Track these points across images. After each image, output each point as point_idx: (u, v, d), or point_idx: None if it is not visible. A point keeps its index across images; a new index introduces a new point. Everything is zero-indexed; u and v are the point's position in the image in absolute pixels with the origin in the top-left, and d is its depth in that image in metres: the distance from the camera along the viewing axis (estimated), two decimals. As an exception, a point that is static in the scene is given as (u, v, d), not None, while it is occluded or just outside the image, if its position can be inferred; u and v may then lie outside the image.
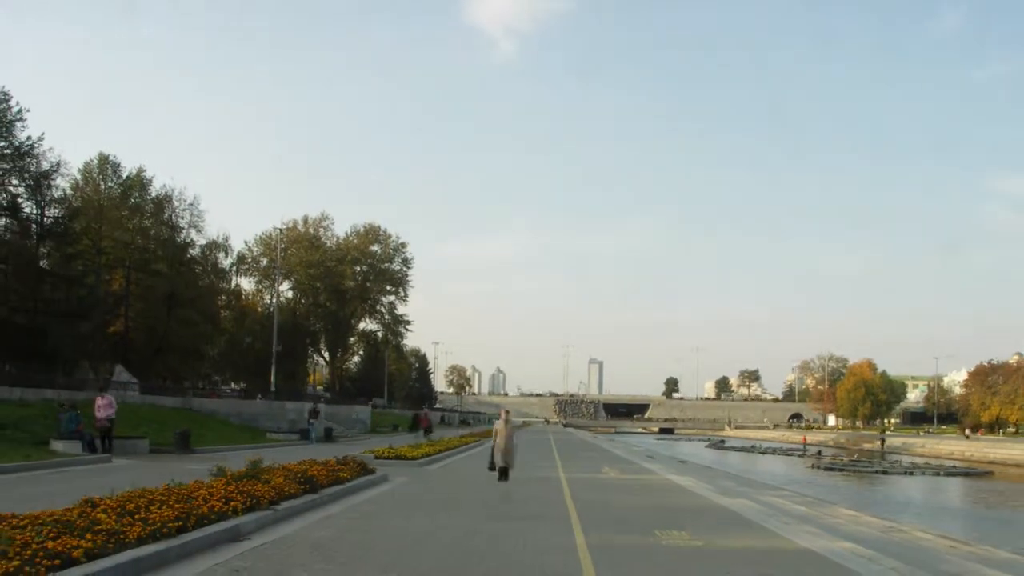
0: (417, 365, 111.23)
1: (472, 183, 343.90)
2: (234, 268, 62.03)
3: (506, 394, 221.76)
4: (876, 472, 47.54)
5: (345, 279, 71.63)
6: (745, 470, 42.47)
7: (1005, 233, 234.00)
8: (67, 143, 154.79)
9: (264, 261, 66.38)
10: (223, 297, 59.25)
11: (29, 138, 38.28)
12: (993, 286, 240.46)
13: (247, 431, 32.05)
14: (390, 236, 76.21)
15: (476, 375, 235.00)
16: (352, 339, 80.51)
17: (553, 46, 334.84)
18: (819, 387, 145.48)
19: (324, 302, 68.65)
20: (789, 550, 8.63)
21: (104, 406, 19.71)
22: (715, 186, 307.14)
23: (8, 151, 37.90)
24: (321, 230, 72.84)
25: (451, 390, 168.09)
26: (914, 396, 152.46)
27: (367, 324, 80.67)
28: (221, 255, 57.45)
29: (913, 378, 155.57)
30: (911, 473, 47.21)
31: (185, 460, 19.00)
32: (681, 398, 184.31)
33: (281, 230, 60.88)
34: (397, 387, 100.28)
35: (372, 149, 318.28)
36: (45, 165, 39.55)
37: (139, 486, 9.21)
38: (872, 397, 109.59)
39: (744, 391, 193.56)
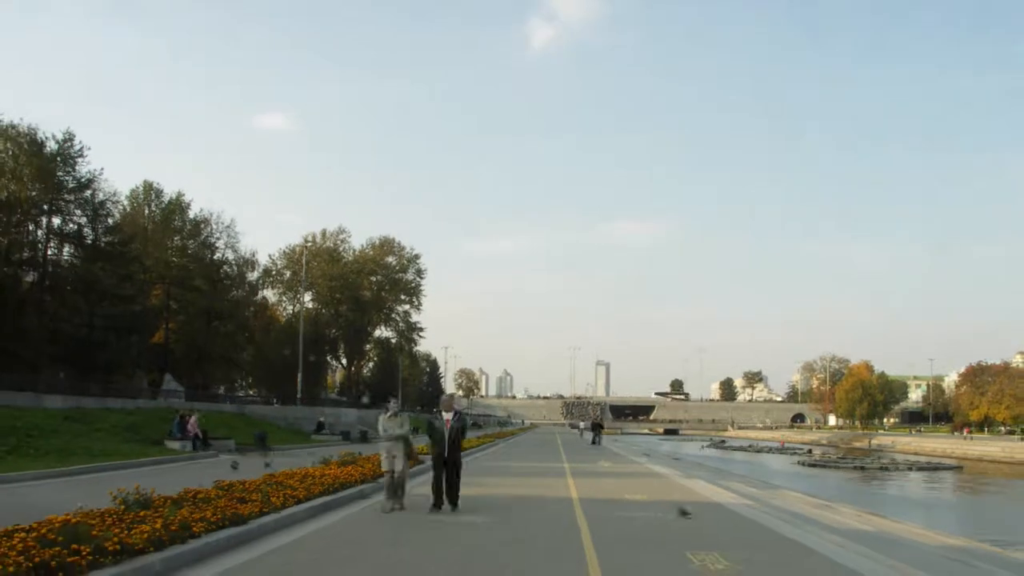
0: (428, 369, 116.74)
1: (477, 185, 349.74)
2: (260, 281, 67.64)
3: (514, 396, 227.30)
4: (855, 467, 52.69)
5: (363, 290, 77.10)
6: (731, 464, 47.70)
7: (1016, 228, 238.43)
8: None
9: (287, 274, 71.96)
10: (251, 308, 64.77)
11: (90, 172, 44.01)
12: (1002, 283, 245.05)
13: (296, 433, 37.46)
14: (404, 248, 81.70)
15: (483, 377, 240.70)
16: (368, 346, 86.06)
17: (557, 42, 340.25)
18: (822, 388, 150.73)
19: (344, 312, 74.09)
20: (702, 501, 14.08)
21: (192, 423, 25.43)
22: (722, 186, 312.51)
23: (72, 184, 43.52)
24: (339, 242, 78.34)
25: (460, 393, 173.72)
26: (916, 396, 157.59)
27: (382, 331, 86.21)
28: (248, 269, 63.33)
29: (915, 378, 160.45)
30: (887, 468, 52.36)
31: (269, 456, 24.37)
32: (685, 399, 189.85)
33: (306, 246, 66.35)
34: (409, 391, 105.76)
35: (376, 151, 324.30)
36: (100, 196, 45.34)
37: (251, 473, 14.10)
38: (869, 397, 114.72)
39: (749, 392, 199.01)
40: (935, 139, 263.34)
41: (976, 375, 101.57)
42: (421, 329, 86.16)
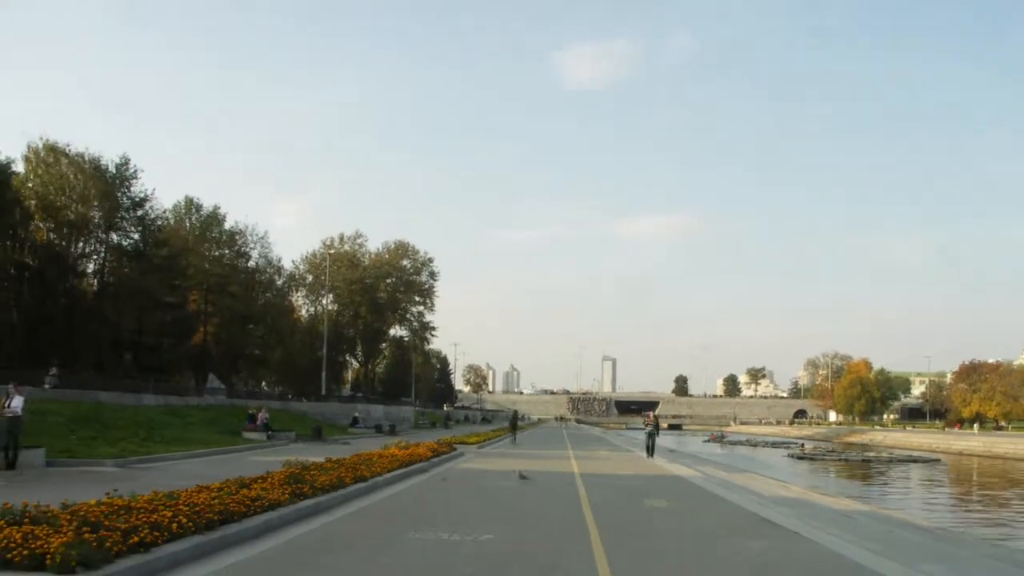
0: (439, 366, 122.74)
1: (481, 179, 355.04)
2: (286, 286, 73.51)
3: (521, 392, 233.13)
4: (840, 460, 58.17)
5: (379, 292, 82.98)
6: (720, 456, 53.32)
7: None
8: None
9: (309, 278, 77.90)
10: (279, 312, 70.57)
11: (143, 191, 49.69)
12: (1007, 282, 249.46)
13: (334, 426, 43.09)
14: (418, 251, 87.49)
15: (490, 373, 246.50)
16: (383, 344, 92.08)
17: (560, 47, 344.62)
18: (824, 384, 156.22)
19: (363, 314, 79.99)
20: (667, 475, 19.75)
21: (263, 417, 31.31)
22: (730, 187, 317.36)
23: (128, 203, 49.23)
24: (357, 247, 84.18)
25: (468, 388, 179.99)
26: (918, 392, 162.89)
27: (397, 331, 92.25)
28: (276, 275, 69.29)
29: (919, 374, 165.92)
30: (869, 461, 57.80)
31: (327, 444, 30.19)
32: (690, 395, 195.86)
33: (329, 253, 72.29)
34: (421, 387, 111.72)
35: (376, 148, 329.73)
36: (152, 214, 51.08)
37: (330, 455, 19.59)
38: (867, 394, 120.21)
39: (753, 388, 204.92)
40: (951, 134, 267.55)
41: (970, 373, 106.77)
42: (434, 328, 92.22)
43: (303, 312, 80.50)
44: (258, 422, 30.82)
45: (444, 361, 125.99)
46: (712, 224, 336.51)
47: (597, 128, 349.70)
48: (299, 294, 79.28)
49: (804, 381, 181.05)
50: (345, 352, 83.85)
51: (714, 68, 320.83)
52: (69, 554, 6.46)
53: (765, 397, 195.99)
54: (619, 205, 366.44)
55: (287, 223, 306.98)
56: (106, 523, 7.44)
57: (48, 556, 6.45)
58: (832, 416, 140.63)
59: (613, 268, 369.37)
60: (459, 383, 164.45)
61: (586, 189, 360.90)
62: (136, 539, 7.34)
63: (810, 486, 29.34)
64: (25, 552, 6.50)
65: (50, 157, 46.37)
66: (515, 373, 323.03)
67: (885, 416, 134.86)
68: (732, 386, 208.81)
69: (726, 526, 11.62)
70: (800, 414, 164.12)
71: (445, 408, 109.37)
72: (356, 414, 47.35)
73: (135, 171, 49.25)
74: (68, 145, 46.86)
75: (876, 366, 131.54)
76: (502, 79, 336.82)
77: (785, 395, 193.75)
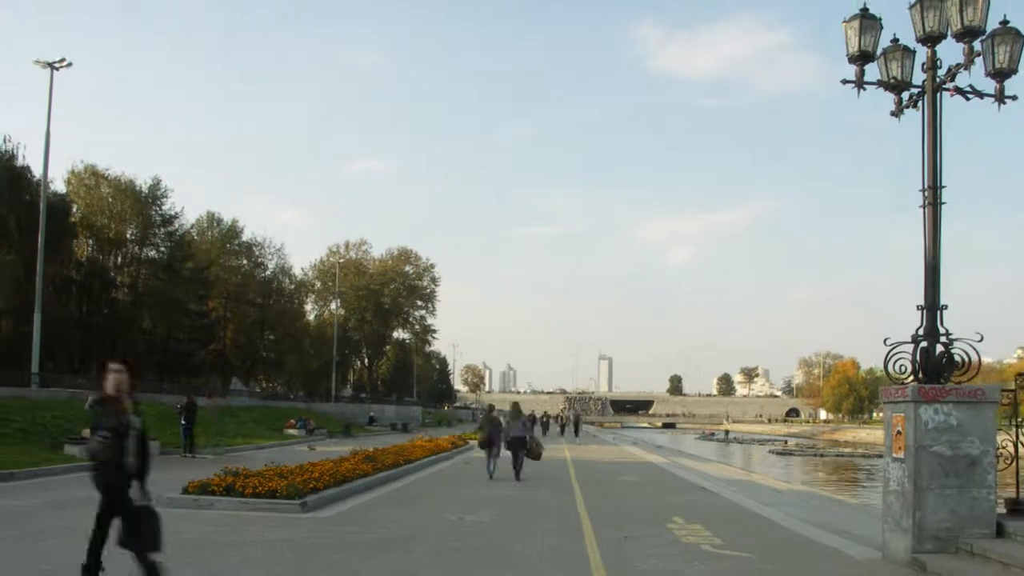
0: (438, 367, 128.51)
1: (477, 178, 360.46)
2: (297, 293, 79.15)
3: (518, 391, 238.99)
4: (815, 456, 63.98)
5: (384, 297, 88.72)
6: (704, 451, 59.03)
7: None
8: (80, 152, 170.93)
9: (318, 284, 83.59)
10: (292, 318, 76.13)
11: (172, 208, 55.18)
12: (1008, 281, 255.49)
13: (353, 424, 48.85)
14: (420, 258, 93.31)
15: (487, 372, 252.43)
16: (386, 347, 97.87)
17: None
18: (816, 383, 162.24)
19: (369, 319, 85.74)
20: (642, 462, 25.54)
21: (309, 423, 37.14)
22: (727, 187, 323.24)
23: (159, 220, 54.73)
24: (362, 253, 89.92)
25: (466, 388, 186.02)
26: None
27: (399, 333, 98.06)
28: (289, 283, 74.92)
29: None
30: (842, 455, 63.68)
31: (357, 439, 35.75)
32: (685, 395, 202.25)
33: (338, 262, 78.04)
34: (422, 387, 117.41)
35: (375, 147, 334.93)
36: (181, 230, 56.61)
37: (367, 447, 25.24)
38: (855, 393, 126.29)
39: (747, 387, 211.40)
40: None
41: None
42: (435, 331, 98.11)
43: (311, 317, 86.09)
44: (302, 421, 36.62)
45: (443, 362, 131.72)
46: (708, 224, 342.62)
47: (595, 127, 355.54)
48: (308, 300, 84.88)
49: (799, 380, 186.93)
50: (351, 355, 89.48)
51: (712, 67, 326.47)
52: (289, 490, 12.18)
53: (759, 396, 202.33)
54: (617, 205, 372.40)
55: (287, 218, 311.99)
56: (290, 476, 13.15)
57: (277, 490, 12.16)
58: (823, 414, 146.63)
59: (611, 268, 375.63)
60: (457, 383, 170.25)
61: (584, 190, 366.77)
62: (312, 485, 13.05)
63: (770, 474, 35.13)
64: (264, 489, 12.21)
65: (91, 180, 51.81)
66: (512, 372, 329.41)
67: (875, 414, 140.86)
68: (726, 385, 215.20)
69: (670, 489, 17.38)
70: (792, 413, 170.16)
71: (446, 408, 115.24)
72: (372, 414, 53.04)
73: (165, 190, 54.80)
74: (108, 168, 52.42)
75: (871, 365, 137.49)
76: (498, 78, 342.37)
77: (779, 394, 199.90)
